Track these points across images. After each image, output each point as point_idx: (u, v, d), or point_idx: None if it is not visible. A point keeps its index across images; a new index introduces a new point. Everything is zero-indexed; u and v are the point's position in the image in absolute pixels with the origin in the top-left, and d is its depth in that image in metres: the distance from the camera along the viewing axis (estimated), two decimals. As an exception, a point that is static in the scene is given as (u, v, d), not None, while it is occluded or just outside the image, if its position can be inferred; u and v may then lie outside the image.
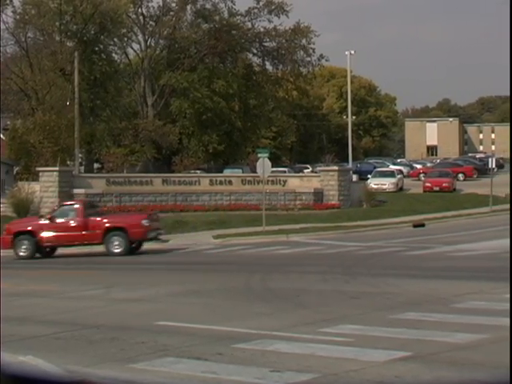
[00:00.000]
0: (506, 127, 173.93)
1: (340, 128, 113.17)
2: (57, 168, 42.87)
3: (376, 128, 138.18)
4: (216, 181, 44.92)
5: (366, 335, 11.17)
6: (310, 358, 9.67)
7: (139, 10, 64.88)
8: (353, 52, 63.87)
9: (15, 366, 7.47)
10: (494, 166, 50.42)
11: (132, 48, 66.65)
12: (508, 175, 65.68)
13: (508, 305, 13.62)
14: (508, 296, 14.73)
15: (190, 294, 16.68)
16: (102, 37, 61.11)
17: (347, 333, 11.29)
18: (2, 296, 15.88)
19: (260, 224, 35.22)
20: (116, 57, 66.39)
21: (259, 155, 37.44)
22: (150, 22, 65.39)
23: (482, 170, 61.64)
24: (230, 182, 44.70)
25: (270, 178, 41.37)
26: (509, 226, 34.57)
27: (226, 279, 19.27)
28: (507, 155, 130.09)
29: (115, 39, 63.48)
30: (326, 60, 66.56)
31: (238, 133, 65.92)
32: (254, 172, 43.88)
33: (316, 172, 51.71)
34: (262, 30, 65.25)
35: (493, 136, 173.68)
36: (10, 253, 29.15)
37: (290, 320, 12.69)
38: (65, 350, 10.90)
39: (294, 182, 44.63)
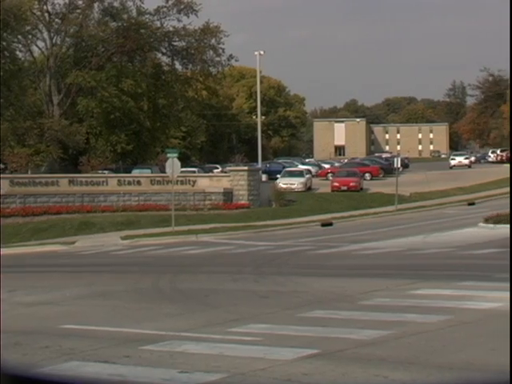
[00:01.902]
0: (410, 127, 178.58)
1: (250, 128, 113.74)
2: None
3: (285, 128, 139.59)
4: (124, 181, 44.39)
5: (274, 334, 11.23)
6: (218, 358, 9.65)
7: (44, 6, 63.38)
8: (262, 52, 64.23)
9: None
10: (399, 165, 51.65)
11: (37, 46, 65.08)
12: (412, 175, 67.45)
13: (413, 301, 13.95)
14: (414, 292, 15.09)
15: (97, 296, 16.41)
16: (4, 34, 59.42)
17: (256, 332, 11.32)
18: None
19: (169, 224, 35.01)
20: (20, 54, 64.65)
21: (168, 155, 37.20)
22: (56, 20, 63.97)
23: (388, 170, 62.98)
24: (139, 183, 44.27)
25: (180, 178, 41.18)
26: (413, 224, 35.50)
27: (135, 280, 19.04)
28: (412, 155, 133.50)
29: (19, 36, 61.83)
30: (236, 60, 66.61)
31: (147, 132, 65.31)
32: (164, 172, 43.57)
33: (226, 172, 51.78)
34: (171, 29, 64.80)
35: (398, 136, 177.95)
36: None
37: (199, 320, 12.64)
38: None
39: (204, 182, 44.56)
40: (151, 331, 11.68)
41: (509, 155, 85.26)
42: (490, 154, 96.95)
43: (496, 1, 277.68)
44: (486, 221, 31.64)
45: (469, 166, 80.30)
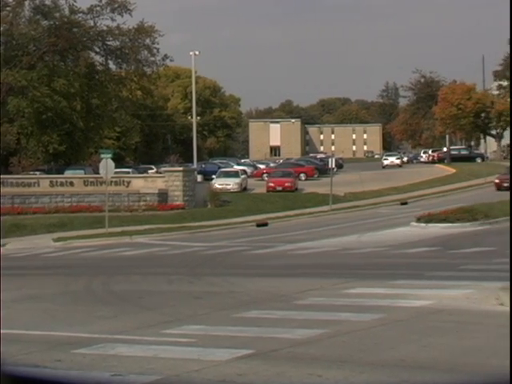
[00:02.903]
0: (344, 128, 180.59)
1: (185, 128, 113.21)
2: None
3: (221, 128, 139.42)
4: (56, 182, 43.67)
5: (209, 335, 11.19)
6: (152, 360, 9.55)
7: (-27, 4, 61.89)
8: (197, 53, 64.05)
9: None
10: (333, 165, 52.12)
11: (-34, 44, 63.49)
12: (346, 175, 68.20)
13: (347, 300, 14.08)
14: (348, 291, 15.23)
15: (27, 299, 16.06)
16: None
17: (190, 333, 11.25)
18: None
19: (103, 226, 34.59)
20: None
21: (102, 156, 36.75)
22: (-15, 18, 62.52)
23: (323, 170, 63.46)
24: (72, 184, 43.63)
25: (114, 179, 40.72)
26: (347, 224, 35.88)
27: (67, 283, 18.71)
28: (346, 155, 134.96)
29: None
30: (171, 60, 66.14)
31: (80, 133, 64.35)
32: (97, 173, 42.97)
33: (160, 173, 51.39)
34: (104, 28, 63.98)
35: (333, 137, 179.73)
36: None
37: (133, 323, 12.50)
38: None
39: (138, 183, 44.16)
40: (84, 334, 11.49)
41: (440, 155, 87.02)
42: (422, 154, 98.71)
43: (428, 4, 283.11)
44: (418, 220, 32.19)
45: (400, 166, 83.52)
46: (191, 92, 72.63)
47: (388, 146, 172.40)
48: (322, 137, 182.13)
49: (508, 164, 55.99)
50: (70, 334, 11.62)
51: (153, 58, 64.31)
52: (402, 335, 10.78)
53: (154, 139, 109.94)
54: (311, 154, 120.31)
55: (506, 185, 45.11)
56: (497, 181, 49.21)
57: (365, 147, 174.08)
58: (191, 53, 63.56)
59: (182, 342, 10.60)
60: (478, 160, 79.83)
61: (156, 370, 9.07)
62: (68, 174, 50.39)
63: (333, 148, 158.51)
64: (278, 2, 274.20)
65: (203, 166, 67.61)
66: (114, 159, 37.36)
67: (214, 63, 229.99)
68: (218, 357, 9.60)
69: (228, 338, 10.82)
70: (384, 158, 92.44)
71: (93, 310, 14.06)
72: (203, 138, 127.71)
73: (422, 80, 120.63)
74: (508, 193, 42.81)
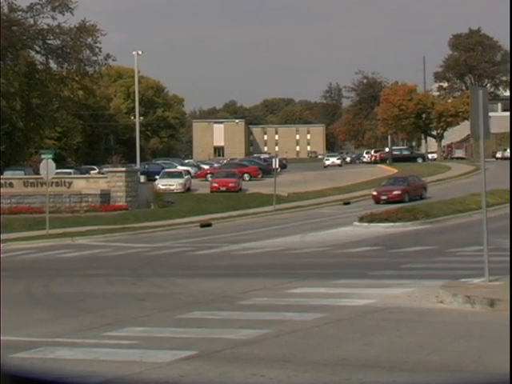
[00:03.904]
0: (288, 128, 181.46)
1: (128, 129, 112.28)
2: None
3: (164, 129, 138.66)
4: (-5, 183, 42.80)
5: (151, 336, 11.09)
6: (93, 363, 9.42)
7: None
8: (140, 52, 63.46)
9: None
10: (277, 166, 52.29)
11: None
12: (290, 175, 68.51)
13: (290, 299, 14.11)
14: (292, 291, 15.27)
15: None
16: None
17: (133, 335, 11.14)
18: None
19: (43, 227, 34.05)
20: None
21: (43, 156, 36.19)
22: None
23: (267, 170, 63.61)
24: (11, 185, 42.83)
25: (55, 180, 40.12)
26: (291, 224, 36.03)
27: (6, 286, 18.31)
28: (290, 155, 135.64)
29: None
30: (113, 60, 65.46)
31: (20, 133, 63.27)
32: (38, 174, 42.30)
33: (103, 173, 50.83)
34: (45, 27, 63.02)
35: (276, 137, 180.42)
36: None
37: (74, 325, 12.31)
38: None
39: (80, 184, 43.59)
40: (22, 338, 11.27)
41: (383, 156, 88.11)
42: (364, 154, 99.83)
43: (371, 5, 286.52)
44: (361, 220, 32.51)
45: (340, 166, 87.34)
46: (134, 92, 72.05)
47: (331, 147, 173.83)
48: (265, 137, 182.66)
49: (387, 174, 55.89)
50: (8, 337, 11.35)
51: (95, 58, 63.58)
52: (345, 334, 10.85)
53: (96, 139, 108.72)
54: (255, 155, 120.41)
55: (384, 197, 42.23)
56: (374, 193, 43.58)
57: (308, 147, 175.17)
58: (134, 52, 62.95)
59: (124, 345, 10.48)
60: (419, 160, 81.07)
61: (97, 372, 8.93)
62: (7, 174, 49.40)
63: (276, 148, 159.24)
64: (222, 2, 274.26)
65: (146, 166, 67.07)
66: (55, 160, 36.82)
67: (157, 63, 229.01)
68: (161, 358, 9.52)
69: (171, 340, 10.74)
70: (325, 158, 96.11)
71: (32, 313, 13.82)
72: (146, 138, 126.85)
73: (365, 81, 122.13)
74: (437, 193, 43.64)
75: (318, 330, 11.11)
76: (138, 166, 60.84)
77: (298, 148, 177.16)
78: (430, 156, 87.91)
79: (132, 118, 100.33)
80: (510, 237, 16.01)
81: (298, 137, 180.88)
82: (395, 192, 42.59)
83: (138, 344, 10.45)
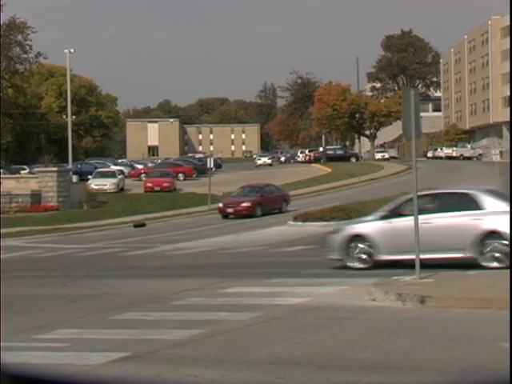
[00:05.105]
0: (223, 128, 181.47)
1: (60, 128, 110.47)
2: None
3: (97, 128, 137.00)
4: None
5: (83, 338, 10.92)
6: (23, 367, 9.20)
7: None
8: (72, 50, 62.53)
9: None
10: (212, 165, 52.19)
11: None
12: (225, 174, 68.48)
13: (225, 299, 14.09)
14: (226, 291, 15.25)
15: None
16: None
17: (64, 337, 10.95)
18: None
19: (-27, 228, 33.24)
20: None
21: (-29, 155, 35.37)
22: None
23: (201, 170, 63.42)
24: None
25: (-16, 180, 39.23)
26: (225, 224, 36.02)
27: None
28: (225, 155, 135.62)
29: None
30: (45, 58, 64.62)
31: None
32: (-34, 173, 41.32)
33: (34, 173, 49.91)
34: (-27, 23, 61.67)
35: (211, 136, 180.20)
36: None
37: (4, 328, 12.02)
38: None
39: (10, 184, 42.71)
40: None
41: (317, 155, 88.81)
42: (299, 154, 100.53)
43: (305, 5, 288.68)
44: (295, 219, 32.68)
45: (271, 165, 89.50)
46: (66, 90, 70.93)
47: (266, 146, 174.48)
48: (200, 137, 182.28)
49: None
50: None
51: (25, 55, 62.58)
52: (279, 333, 10.88)
53: (26, 139, 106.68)
54: (190, 154, 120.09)
55: (230, 211, 37.97)
56: (220, 205, 38.94)
57: (243, 147, 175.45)
58: (66, 50, 62.01)
59: (55, 347, 10.30)
60: (353, 159, 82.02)
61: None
62: None
63: (211, 148, 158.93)
64: (156, 1, 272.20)
65: (79, 166, 66.13)
66: (-16, 159, 36.03)
67: (90, 61, 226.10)
68: (93, 360, 9.38)
69: (103, 341, 10.60)
70: (257, 158, 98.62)
71: (-40, 317, 13.43)
72: (79, 137, 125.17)
73: (299, 81, 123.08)
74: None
75: (252, 330, 11.12)
76: (70, 165, 59.90)
77: (232, 148, 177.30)
78: (380, 155, 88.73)
79: (64, 116, 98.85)
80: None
81: (232, 136, 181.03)
82: (244, 204, 37.36)
83: (70, 346, 10.28)
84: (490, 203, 16.90)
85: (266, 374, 8.48)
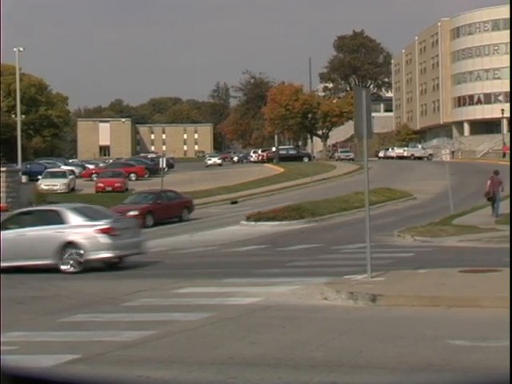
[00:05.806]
0: (175, 128, 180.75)
1: (8, 127, 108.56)
2: None
3: (47, 128, 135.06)
4: None
5: (32, 341, 10.73)
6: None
7: None
8: (21, 49, 61.60)
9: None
10: (164, 165, 52.01)
11: None
12: (177, 174, 68.20)
13: (177, 300, 14.01)
14: (178, 291, 15.15)
15: None
16: None
17: (12, 340, 10.74)
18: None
19: None
20: None
21: None
22: None
23: (154, 170, 63.08)
24: None
25: None
26: (178, 224, 35.83)
27: None
28: (177, 155, 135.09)
29: None
30: (-7, 56, 63.41)
31: None
32: None
33: (-18, 173, 49.01)
34: None
35: (164, 136, 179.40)
36: None
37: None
38: None
39: (-42, 184, 41.90)
40: None
41: (270, 155, 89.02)
42: (251, 153, 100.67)
43: (256, 5, 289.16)
44: (248, 219, 32.73)
45: (220, 165, 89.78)
46: (15, 89, 69.85)
47: (219, 146, 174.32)
48: (152, 136, 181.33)
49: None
50: None
51: (-27, 54, 61.31)
52: (231, 333, 10.84)
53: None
54: (142, 154, 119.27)
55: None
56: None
57: (196, 147, 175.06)
58: (15, 49, 61.04)
59: (3, 350, 10.08)
60: (305, 159, 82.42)
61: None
62: None
63: (164, 148, 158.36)
64: (110, 1, 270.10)
65: (28, 166, 65.14)
66: None
67: (40, 60, 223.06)
68: (41, 363, 9.20)
69: (53, 344, 10.43)
70: (208, 158, 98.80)
71: None
72: (28, 137, 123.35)
73: (252, 81, 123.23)
74: (330, 191, 44.51)
75: (204, 330, 11.07)
76: (19, 165, 58.95)
77: (185, 147, 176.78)
78: (344, 155, 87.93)
79: (13, 116, 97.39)
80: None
81: (185, 136, 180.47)
82: (132, 213, 32.55)
83: (18, 350, 10.09)
84: (72, 218, 19.89)
85: (218, 374, 8.43)
